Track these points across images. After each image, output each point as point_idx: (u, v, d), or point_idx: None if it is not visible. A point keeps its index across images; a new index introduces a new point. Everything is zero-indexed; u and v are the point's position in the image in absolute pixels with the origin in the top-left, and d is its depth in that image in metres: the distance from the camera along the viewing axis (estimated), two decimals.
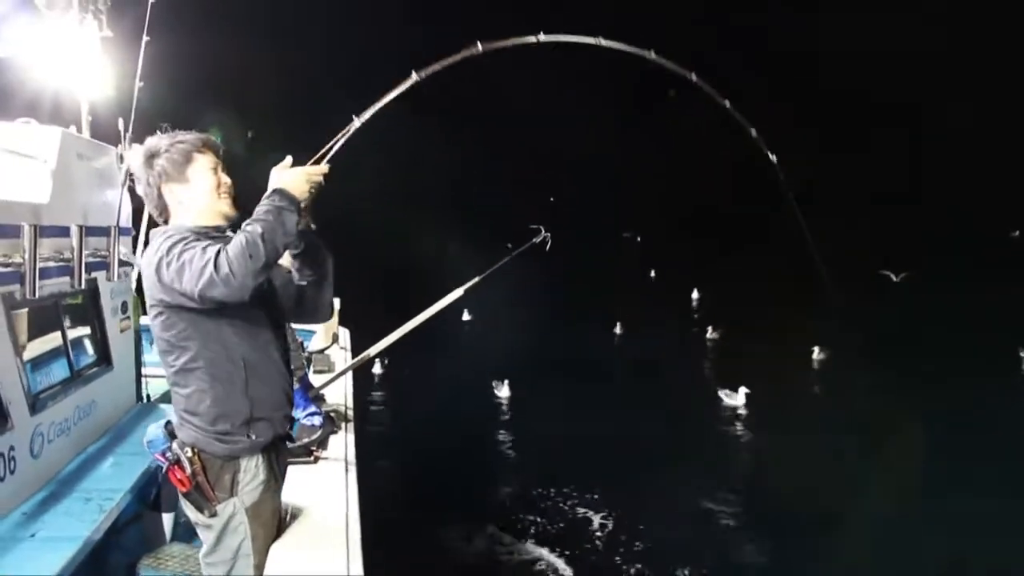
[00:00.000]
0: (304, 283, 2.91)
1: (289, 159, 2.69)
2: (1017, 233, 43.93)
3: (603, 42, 3.22)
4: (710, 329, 20.17)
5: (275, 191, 2.54)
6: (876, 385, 14.26)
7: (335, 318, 6.51)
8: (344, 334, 7.22)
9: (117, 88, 5.86)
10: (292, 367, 3.03)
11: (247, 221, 2.48)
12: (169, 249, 2.47)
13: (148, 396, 6.07)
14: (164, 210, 2.75)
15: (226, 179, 2.78)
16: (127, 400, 5.45)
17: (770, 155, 3.61)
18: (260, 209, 2.50)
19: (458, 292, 5.11)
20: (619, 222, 50.20)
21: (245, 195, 2.87)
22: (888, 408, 12.84)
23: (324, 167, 2.73)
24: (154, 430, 2.83)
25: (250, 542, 2.77)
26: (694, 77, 3.42)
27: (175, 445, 2.71)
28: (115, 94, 5.86)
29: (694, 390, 15.45)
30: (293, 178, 2.60)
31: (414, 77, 2.98)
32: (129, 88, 5.74)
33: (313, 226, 2.81)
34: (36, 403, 4.11)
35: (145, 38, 5.35)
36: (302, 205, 2.59)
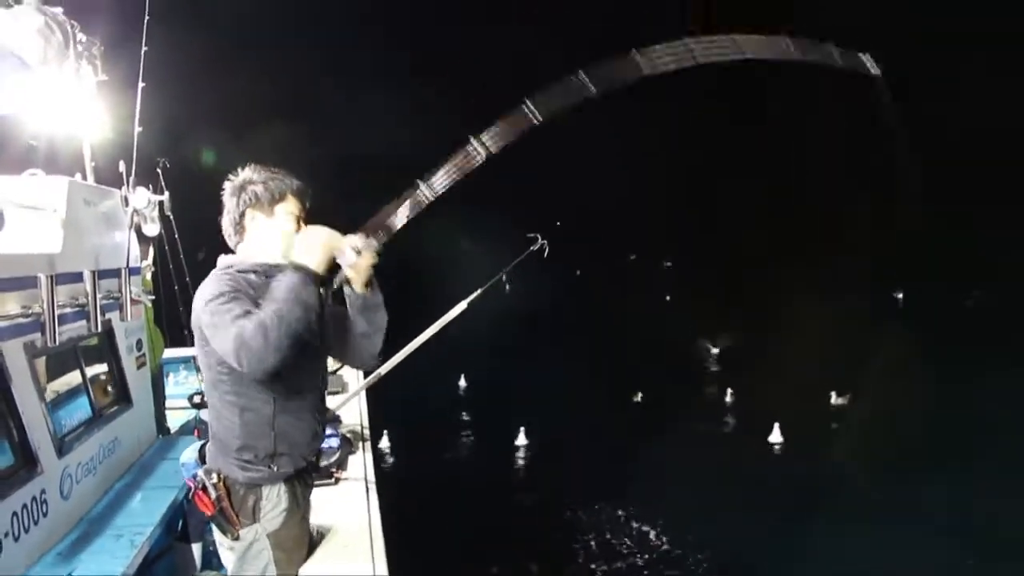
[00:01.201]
0: (357, 333, 2.98)
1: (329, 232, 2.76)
2: None
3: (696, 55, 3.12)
4: (729, 391, 18.26)
5: (294, 266, 2.60)
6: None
7: None
8: None
9: (115, 131, 5.99)
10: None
11: (269, 296, 2.55)
12: (212, 299, 2.62)
13: (168, 429, 6.20)
14: (242, 232, 2.90)
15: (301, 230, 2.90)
16: (148, 435, 5.58)
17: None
18: (280, 287, 2.56)
19: (462, 305, 5.23)
20: (630, 244, 46.67)
21: None
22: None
23: (352, 241, 2.77)
24: (189, 453, 3.00)
25: (273, 567, 2.90)
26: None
27: (202, 471, 2.85)
28: (114, 136, 5.99)
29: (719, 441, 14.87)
30: (310, 247, 2.67)
31: (423, 191, 2.99)
32: (127, 130, 5.87)
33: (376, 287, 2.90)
34: (63, 446, 4.22)
35: (141, 84, 5.49)
36: (354, 273, 2.76)
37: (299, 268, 2.59)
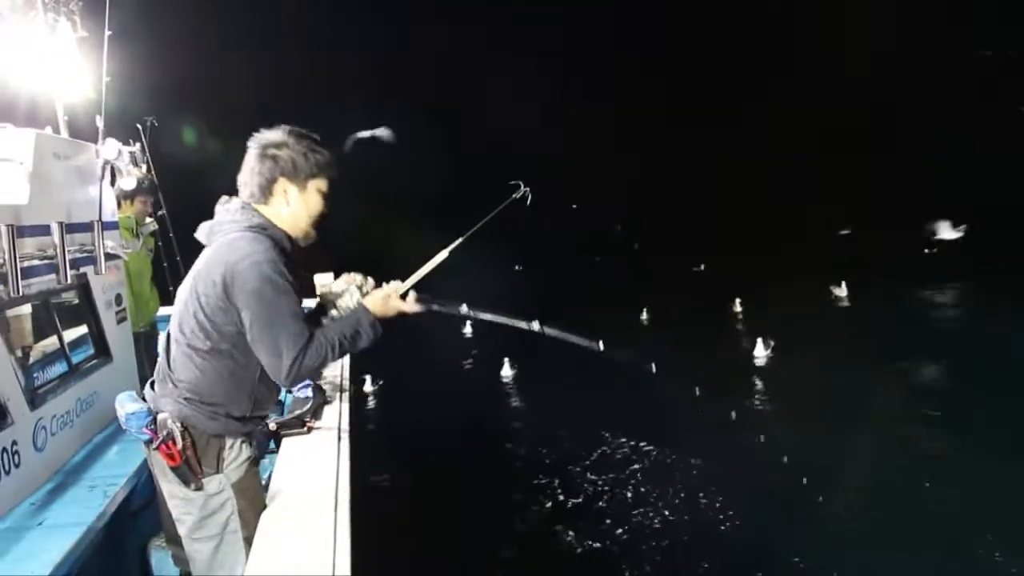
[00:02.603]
0: None
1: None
2: None
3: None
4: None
5: (365, 309, 2.89)
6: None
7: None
8: None
9: (95, 89, 5.91)
10: None
11: (337, 323, 2.86)
12: (267, 278, 2.62)
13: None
14: (267, 197, 2.84)
15: (324, 209, 2.93)
16: (130, 390, 5.57)
17: None
18: (349, 320, 2.87)
19: (443, 254, 5.13)
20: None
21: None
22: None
23: (409, 305, 3.02)
24: (132, 404, 2.90)
25: (238, 517, 2.88)
26: None
27: (169, 420, 2.80)
28: (96, 95, 5.90)
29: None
30: (381, 303, 2.94)
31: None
32: (111, 87, 5.79)
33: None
34: (35, 398, 4.22)
35: (107, 32, 5.39)
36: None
37: (367, 311, 2.88)
